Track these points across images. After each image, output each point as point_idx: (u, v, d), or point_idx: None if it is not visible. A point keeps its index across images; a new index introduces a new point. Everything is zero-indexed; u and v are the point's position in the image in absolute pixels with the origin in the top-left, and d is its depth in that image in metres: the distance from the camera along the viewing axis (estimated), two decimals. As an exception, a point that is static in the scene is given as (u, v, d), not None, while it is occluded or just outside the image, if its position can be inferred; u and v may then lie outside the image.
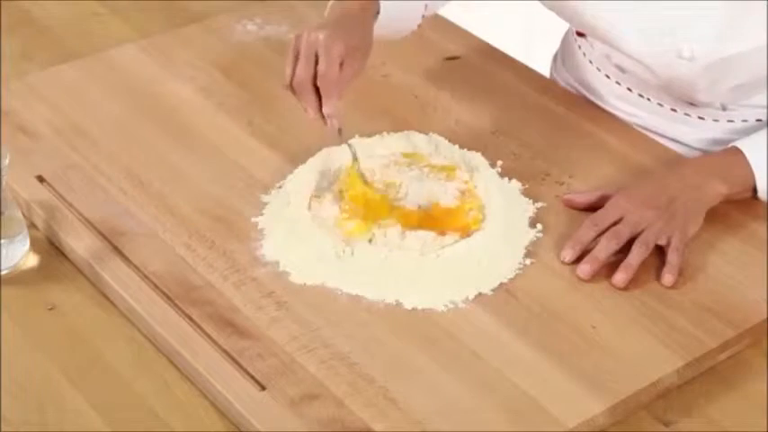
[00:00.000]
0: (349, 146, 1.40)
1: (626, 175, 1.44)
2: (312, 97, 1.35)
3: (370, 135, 1.47)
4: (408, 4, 1.47)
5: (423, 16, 1.51)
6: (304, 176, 1.40)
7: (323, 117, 1.35)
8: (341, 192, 1.37)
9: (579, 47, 1.63)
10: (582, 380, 1.19)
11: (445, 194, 1.38)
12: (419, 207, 1.36)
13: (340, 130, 1.37)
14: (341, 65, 1.34)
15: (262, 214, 1.38)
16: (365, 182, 1.38)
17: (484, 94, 1.60)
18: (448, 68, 1.65)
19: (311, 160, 1.42)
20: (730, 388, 1.23)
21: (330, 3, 1.42)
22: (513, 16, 2.83)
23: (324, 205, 1.36)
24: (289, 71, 1.35)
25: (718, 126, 1.53)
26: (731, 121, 1.52)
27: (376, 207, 1.36)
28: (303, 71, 1.34)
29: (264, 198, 1.40)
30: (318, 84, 1.34)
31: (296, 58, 1.35)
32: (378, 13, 1.42)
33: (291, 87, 1.35)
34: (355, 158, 1.39)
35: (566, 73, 1.69)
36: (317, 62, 1.34)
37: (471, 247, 1.31)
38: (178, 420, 1.17)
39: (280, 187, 1.41)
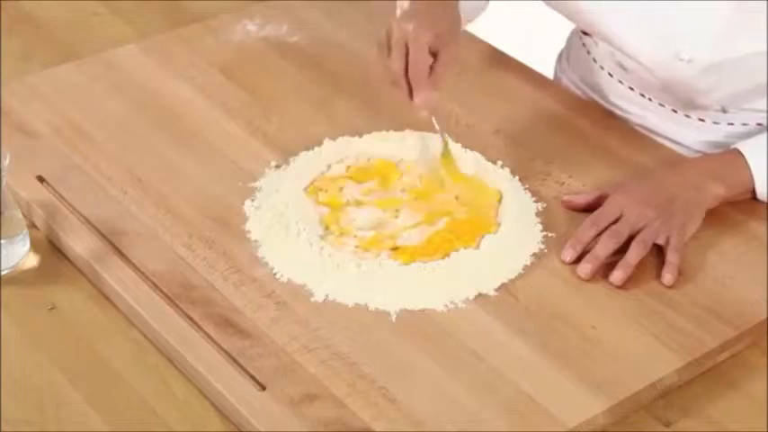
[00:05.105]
0: (442, 136, 1.39)
1: (626, 176, 1.44)
2: (407, 89, 1.34)
3: (369, 135, 1.47)
4: None
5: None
6: (298, 172, 1.40)
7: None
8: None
9: (584, 45, 1.63)
10: (582, 380, 1.19)
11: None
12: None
13: (433, 121, 1.36)
14: (435, 54, 1.33)
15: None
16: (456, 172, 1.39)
17: (484, 94, 1.59)
18: (448, 68, 1.65)
19: (295, 159, 1.42)
20: (730, 388, 1.23)
21: None
22: (513, 17, 2.83)
23: (320, 203, 1.37)
24: (382, 66, 1.34)
25: (719, 129, 1.52)
26: (731, 124, 1.52)
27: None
28: (396, 64, 1.33)
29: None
30: (409, 75, 1.33)
31: (388, 53, 1.34)
32: None
33: (392, 82, 1.34)
34: (446, 149, 1.39)
35: (571, 72, 1.69)
36: (407, 53, 1.32)
37: (472, 248, 1.31)
38: (178, 420, 1.17)
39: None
